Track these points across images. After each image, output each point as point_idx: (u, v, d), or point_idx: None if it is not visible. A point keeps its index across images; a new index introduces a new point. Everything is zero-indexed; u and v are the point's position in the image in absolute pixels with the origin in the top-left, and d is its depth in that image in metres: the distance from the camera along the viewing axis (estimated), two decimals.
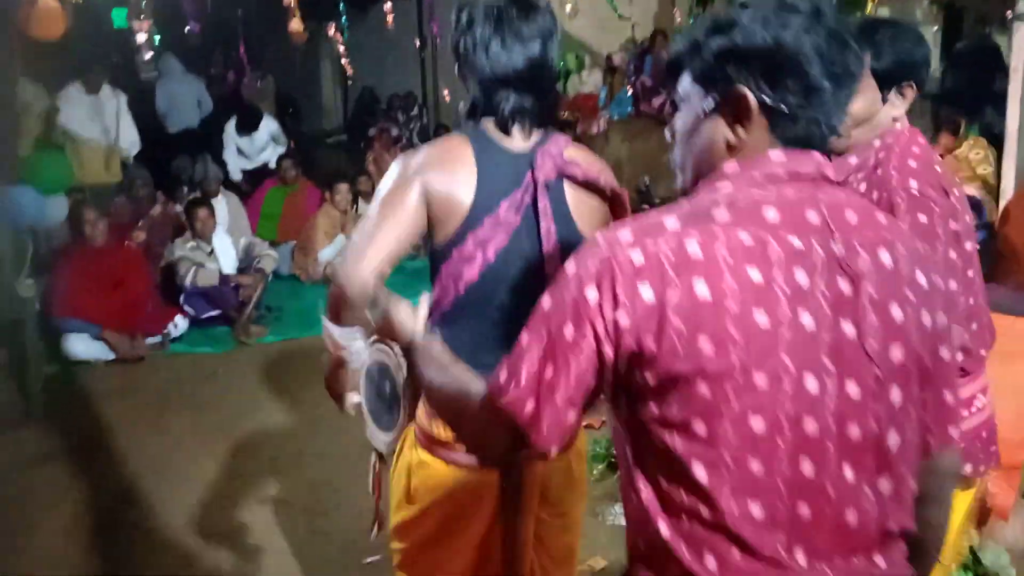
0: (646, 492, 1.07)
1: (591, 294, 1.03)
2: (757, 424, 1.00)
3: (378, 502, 1.84)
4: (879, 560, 1.07)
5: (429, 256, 1.72)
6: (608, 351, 1.03)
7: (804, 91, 1.06)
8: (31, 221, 4.10)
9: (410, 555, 1.82)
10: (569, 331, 1.04)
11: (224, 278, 5.73)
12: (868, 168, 1.75)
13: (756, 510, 1.01)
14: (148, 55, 4.90)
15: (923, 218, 1.65)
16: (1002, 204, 6.49)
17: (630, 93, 10.17)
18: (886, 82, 1.76)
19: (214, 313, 5.66)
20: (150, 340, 5.33)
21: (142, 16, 4.07)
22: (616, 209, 1.76)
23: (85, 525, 3.39)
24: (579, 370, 1.04)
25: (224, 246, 5.92)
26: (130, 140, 6.74)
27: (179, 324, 5.54)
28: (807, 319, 1.01)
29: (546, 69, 1.68)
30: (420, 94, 9.66)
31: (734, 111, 1.09)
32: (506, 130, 1.66)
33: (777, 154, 1.08)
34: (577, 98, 10.30)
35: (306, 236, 6.86)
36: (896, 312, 1.05)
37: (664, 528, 1.04)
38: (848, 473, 1.04)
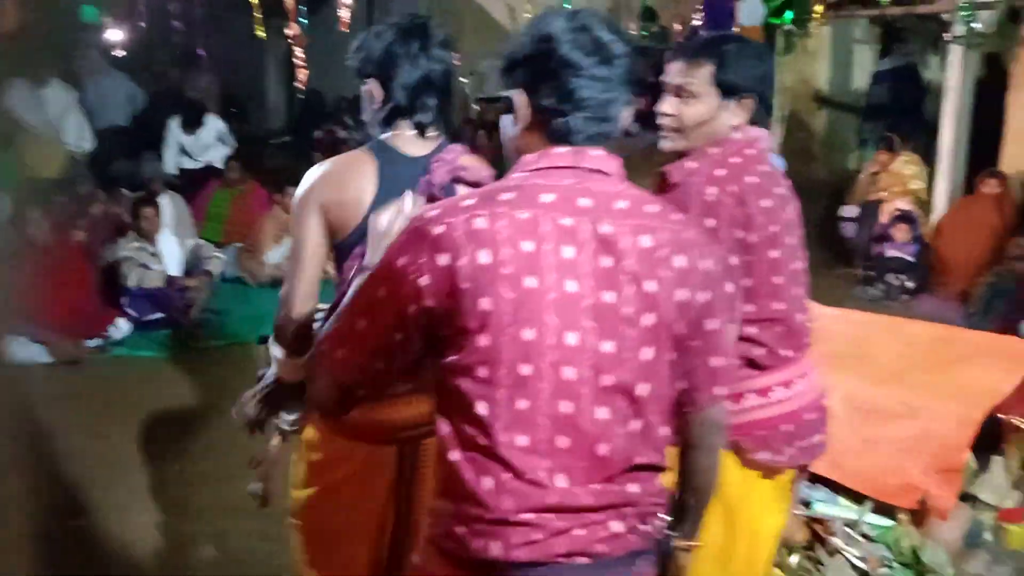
0: (444, 428, 1.28)
1: (400, 260, 1.25)
2: (525, 370, 1.22)
3: (265, 479, 2.03)
4: (632, 487, 1.28)
5: (335, 256, 1.83)
6: (412, 308, 1.24)
7: (566, 96, 1.28)
8: None
9: (310, 532, 1.92)
10: (381, 291, 1.28)
11: (169, 280, 5.62)
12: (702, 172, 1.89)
13: (523, 440, 1.23)
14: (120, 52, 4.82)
15: (711, 223, 1.79)
16: (934, 219, 6.75)
17: None
18: (728, 93, 1.89)
19: (157, 316, 5.54)
20: (90, 343, 5.20)
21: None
22: None
23: (25, 533, 3.29)
24: (386, 323, 1.27)
25: (170, 247, 5.81)
26: (79, 136, 6.55)
27: (121, 327, 5.40)
28: (571, 285, 1.23)
29: (452, 78, 1.90)
30: None
31: (513, 112, 1.33)
32: (422, 132, 1.83)
33: (559, 150, 1.30)
34: None
35: (253, 238, 6.76)
36: (650, 286, 1.26)
37: (455, 456, 1.26)
38: (601, 413, 1.25)
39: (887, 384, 3.15)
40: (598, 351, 1.24)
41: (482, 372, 1.23)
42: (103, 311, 5.42)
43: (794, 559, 2.94)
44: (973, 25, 6.15)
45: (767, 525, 2.01)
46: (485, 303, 1.21)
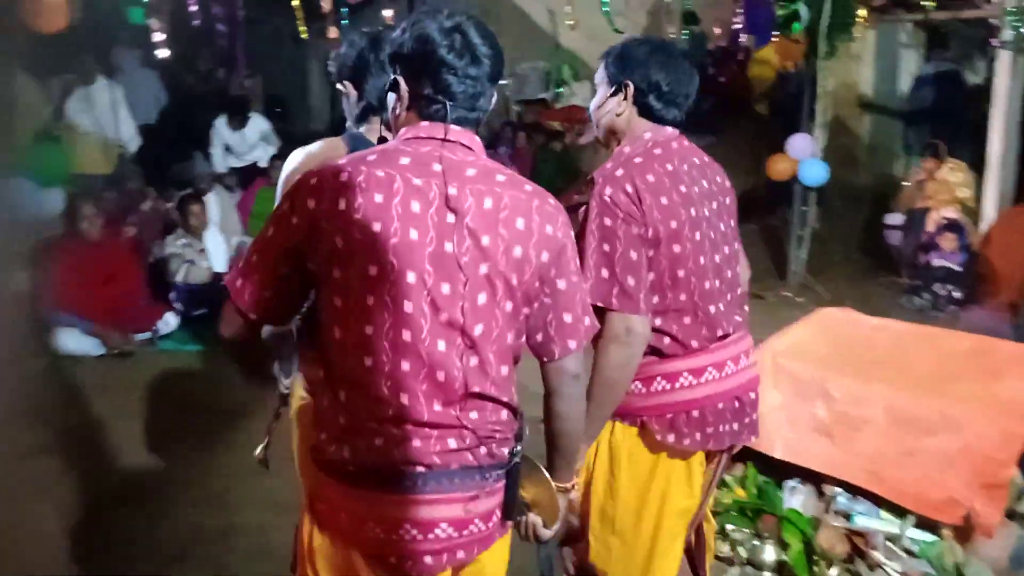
0: (318, 352, 1.55)
1: (284, 204, 1.50)
2: (370, 300, 1.44)
3: (270, 433, 2.17)
4: (471, 414, 1.50)
5: None
6: (288, 244, 1.48)
7: (441, 89, 1.51)
8: (27, 214, 4.07)
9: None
10: (270, 231, 1.51)
11: (215, 276, 5.72)
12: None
13: (368, 361, 1.45)
14: (164, 52, 4.93)
15: (607, 221, 1.92)
16: (983, 227, 6.62)
17: None
18: (614, 83, 2.07)
19: (203, 311, 5.64)
20: (140, 336, 5.31)
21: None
22: None
23: (72, 520, 3.38)
24: (273, 256, 1.50)
25: (216, 243, 5.91)
26: (127, 133, 6.68)
27: (169, 321, 5.51)
28: (413, 234, 1.45)
29: None
30: None
31: (396, 93, 1.57)
32: (388, 127, 1.96)
33: (425, 124, 1.53)
34: (566, 109, 10.37)
35: None
36: (486, 241, 1.48)
37: (323, 373, 1.53)
38: (440, 345, 1.46)
39: (927, 395, 3.11)
40: (437, 292, 1.46)
41: (337, 301, 1.47)
42: (152, 306, 5.54)
43: (834, 572, 2.92)
44: (1023, 31, 6.03)
45: (675, 502, 2.08)
46: (338, 241, 1.44)
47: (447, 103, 1.52)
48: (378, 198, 1.44)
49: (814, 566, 2.95)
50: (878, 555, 2.88)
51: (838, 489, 3.12)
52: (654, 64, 2.03)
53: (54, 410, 4.37)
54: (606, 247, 1.92)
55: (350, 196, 1.44)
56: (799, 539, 3.01)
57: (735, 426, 2.07)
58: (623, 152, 2.04)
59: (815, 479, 3.21)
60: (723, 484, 3.35)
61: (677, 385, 2.01)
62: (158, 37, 4.32)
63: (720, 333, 2.03)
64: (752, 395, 2.13)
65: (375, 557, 1.52)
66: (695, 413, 2.01)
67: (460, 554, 1.53)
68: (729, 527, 3.16)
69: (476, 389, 1.50)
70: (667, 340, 1.99)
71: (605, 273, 1.91)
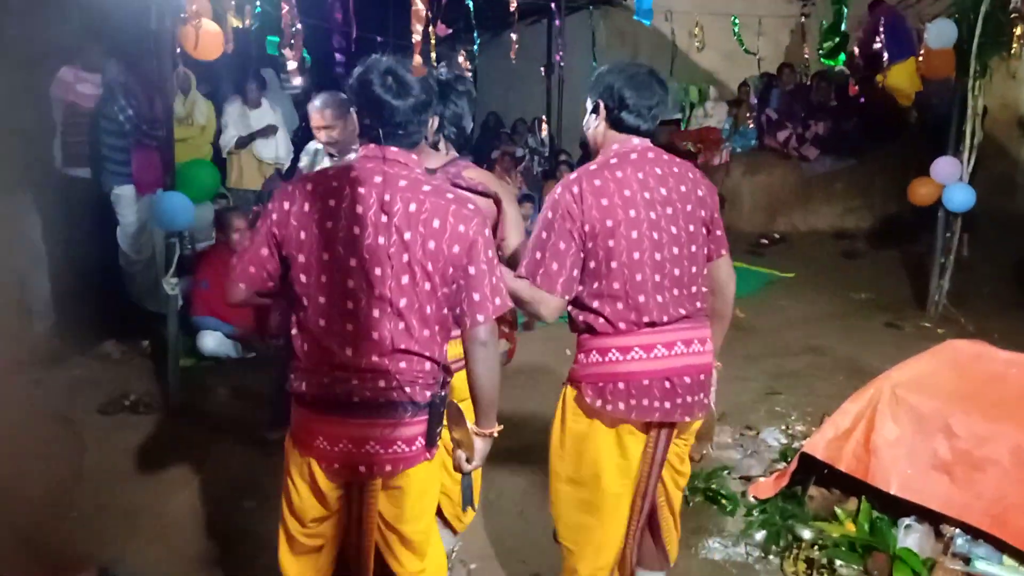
0: (291, 315, 2.08)
1: (271, 203, 2.07)
2: (324, 279, 2.02)
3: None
4: (400, 364, 2.03)
5: None
6: (270, 234, 2.06)
7: (377, 119, 2.06)
8: (181, 225, 4.44)
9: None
10: (260, 225, 2.09)
11: None
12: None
13: (322, 323, 2.02)
14: (297, 80, 5.27)
15: (549, 215, 2.34)
16: None
17: (753, 126, 10.04)
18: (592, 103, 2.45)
19: None
20: (276, 341, 5.63)
21: (292, 44, 4.39)
22: (499, 204, 2.60)
23: (204, 512, 3.64)
24: (258, 242, 2.08)
25: None
26: (284, 152, 7.15)
27: None
28: (356, 230, 2.00)
29: (465, 115, 2.70)
30: (545, 119, 9.87)
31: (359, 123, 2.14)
32: (435, 147, 2.62)
33: (371, 147, 2.08)
34: (701, 130, 10.26)
35: None
36: (408, 236, 2.00)
37: (294, 331, 2.07)
38: (375, 313, 2.01)
39: None
40: (370, 273, 2.00)
41: (301, 278, 2.03)
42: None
43: None
44: None
45: (609, 459, 2.39)
46: (303, 234, 2.02)
47: (380, 130, 2.05)
48: (331, 202, 2.02)
49: None
50: None
51: (957, 530, 2.97)
52: (620, 84, 2.36)
53: (194, 407, 4.71)
54: (543, 235, 2.34)
55: (312, 201, 2.02)
56: None
57: (665, 404, 2.33)
58: (590, 163, 2.42)
59: (933, 518, 3.07)
60: (833, 517, 3.25)
61: (606, 359, 2.34)
62: (291, 66, 4.64)
63: (647, 320, 2.31)
64: (687, 379, 2.36)
65: (324, 463, 2.09)
66: (620, 385, 2.32)
67: (387, 467, 2.06)
68: (838, 562, 3.06)
69: (402, 346, 2.03)
70: (601, 320, 2.33)
71: (538, 255, 2.34)
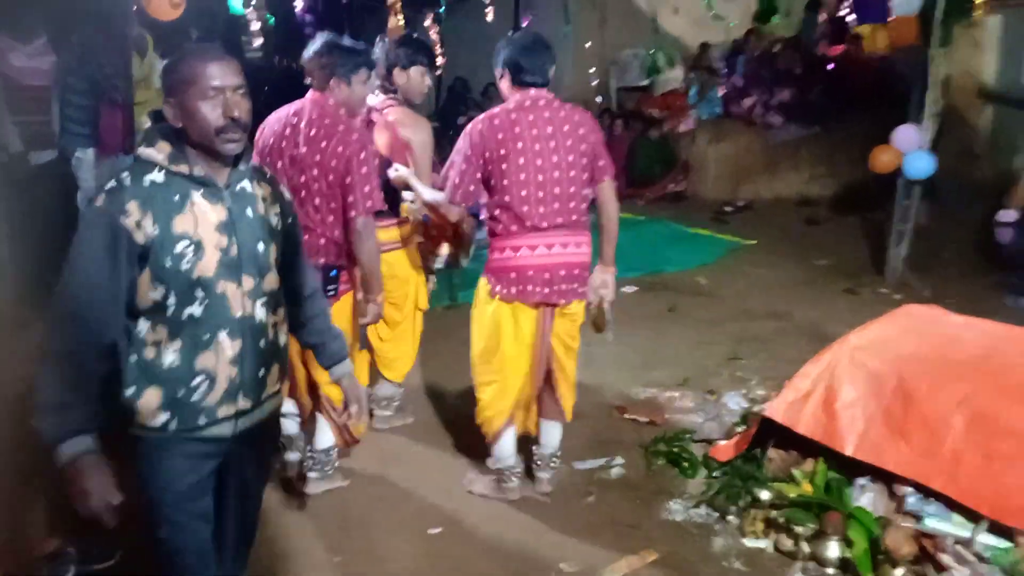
0: None
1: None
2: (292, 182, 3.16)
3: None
4: (325, 243, 3.17)
5: None
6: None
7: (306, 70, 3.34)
8: None
9: None
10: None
11: None
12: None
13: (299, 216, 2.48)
14: (258, 41, 5.19)
15: (460, 144, 3.21)
16: None
17: (720, 93, 10.05)
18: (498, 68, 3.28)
19: None
20: None
21: (253, 4, 4.33)
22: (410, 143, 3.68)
23: None
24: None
25: None
26: None
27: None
28: (291, 149, 3.17)
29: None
30: None
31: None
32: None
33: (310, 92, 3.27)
34: (667, 96, 10.24)
35: None
36: (308, 152, 3.12)
37: None
38: (309, 209, 3.13)
39: (1013, 399, 2.98)
40: (296, 179, 3.13)
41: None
42: None
43: (899, 573, 2.85)
44: None
45: (507, 329, 3.24)
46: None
47: (307, 79, 3.21)
48: (275, 127, 3.23)
49: (879, 566, 2.89)
50: (947, 559, 2.79)
51: (909, 489, 3.04)
52: (515, 52, 3.17)
53: None
54: (455, 158, 3.19)
55: (264, 128, 3.28)
56: (865, 537, 2.95)
57: (545, 290, 3.17)
58: (494, 107, 3.22)
59: (887, 478, 3.14)
60: (791, 479, 3.32)
61: (504, 255, 3.18)
62: (254, 27, 4.60)
63: (530, 224, 3.12)
64: (563, 272, 3.17)
65: None
66: (512, 274, 3.17)
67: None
68: (795, 521, 3.12)
69: (327, 234, 3.14)
70: (500, 225, 3.17)
71: (449, 175, 3.19)
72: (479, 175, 3.15)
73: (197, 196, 1.96)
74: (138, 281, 1.91)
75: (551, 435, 3.48)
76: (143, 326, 1.96)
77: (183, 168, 1.95)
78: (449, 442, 4.03)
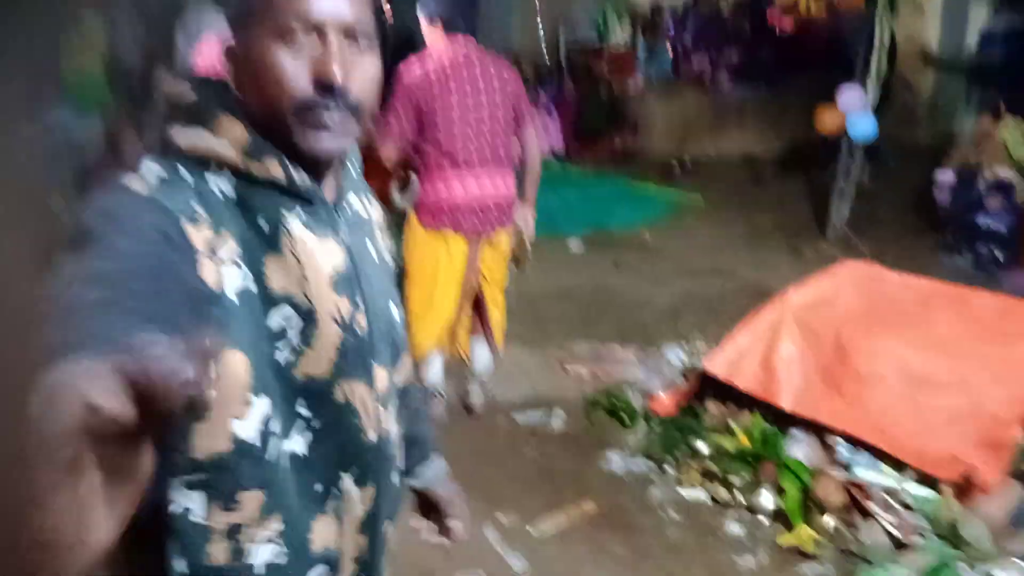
0: None
1: None
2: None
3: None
4: None
5: None
6: None
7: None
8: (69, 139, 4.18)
9: None
10: None
11: None
12: None
13: None
14: None
15: (397, 91, 3.31)
16: None
17: (670, 54, 10.03)
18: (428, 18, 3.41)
19: None
20: None
21: None
22: None
23: None
24: None
25: None
26: None
27: None
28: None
29: None
30: None
31: None
32: None
33: None
34: (614, 55, 10.16)
35: None
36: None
37: None
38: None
39: (943, 354, 3.06)
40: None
41: None
42: None
43: (829, 520, 2.92)
44: None
45: (438, 260, 3.42)
46: None
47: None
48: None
49: (810, 514, 2.96)
50: (874, 507, 2.87)
51: (841, 440, 3.11)
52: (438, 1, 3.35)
53: None
54: (395, 104, 3.30)
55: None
56: (797, 487, 3.02)
57: (474, 221, 3.39)
58: (428, 54, 3.34)
59: (820, 431, 3.20)
60: (728, 431, 3.37)
61: (436, 189, 3.36)
62: None
63: (462, 160, 3.32)
64: (490, 204, 3.40)
65: None
66: (445, 208, 3.36)
67: None
68: (731, 472, 3.18)
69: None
70: (432, 161, 3.33)
71: (388, 118, 3.31)
72: (413, 118, 3.34)
73: (296, 224, 0.98)
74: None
75: (481, 358, 3.77)
76: (198, 500, 0.92)
77: (271, 171, 0.96)
78: None
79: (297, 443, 0.97)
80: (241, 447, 0.90)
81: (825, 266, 4.24)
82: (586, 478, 3.30)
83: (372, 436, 1.04)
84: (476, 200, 3.39)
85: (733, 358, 3.45)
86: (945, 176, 6.81)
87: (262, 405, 0.91)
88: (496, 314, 3.67)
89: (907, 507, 2.87)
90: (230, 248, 0.90)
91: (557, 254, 6.24)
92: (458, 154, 3.33)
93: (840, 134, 6.61)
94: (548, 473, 3.34)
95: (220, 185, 0.94)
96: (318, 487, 1.00)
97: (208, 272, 0.87)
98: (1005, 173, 6.22)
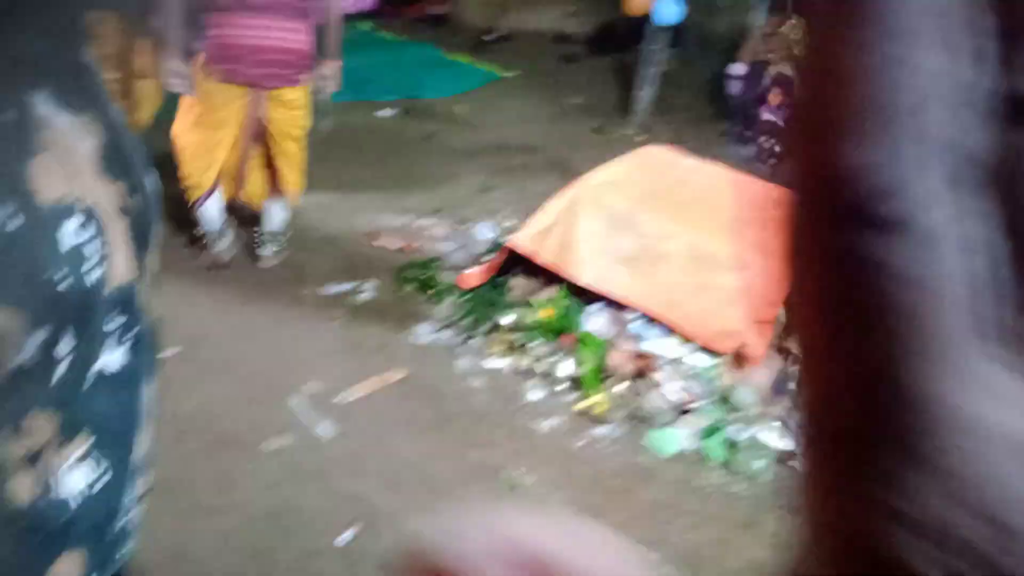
0: None
1: None
2: None
3: None
4: None
5: None
6: None
7: None
8: None
9: None
10: None
11: None
12: None
13: None
14: None
15: None
16: None
17: None
18: None
19: None
20: None
21: None
22: None
23: None
24: None
25: None
26: None
27: None
28: None
29: None
30: None
31: None
32: None
33: None
34: None
35: None
36: None
37: None
38: None
39: (727, 237, 3.32)
40: None
41: None
42: None
43: (620, 388, 3.17)
44: None
45: (217, 110, 3.45)
46: None
47: None
48: None
49: (604, 382, 3.20)
50: (660, 376, 3.14)
51: (634, 315, 3.34)
52: None
53: None
54: None
55: None
56: (594, 357, 3.23)
57: (254, 70, 3.37)
58: None
59: (618, 307, 3.42)
60: (528, 304, 3.52)
61: (220, 31, 3.32)
62: None
63: (246, 3, 3.26)
64: (272, 56, 3.36)
65: None
66: (226, 52, 3.33)
67: None
68: (532, 344, 3.34)
69: None
70: (220, 2, 3.28)
71: None
72: None
73: (46, 106, 0.79)
74: None
75: (272, 213, 3.83)
76: None
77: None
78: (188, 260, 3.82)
79: (109, 360, 0.84)
80: (14, 373, 0.74)
81: (627, 148, 4.42)
82: (394, 349, 3.36)
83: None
84: (259, 49, 3.35)
85: (537, 234, 3.57)
86: (737, 69, 7.20)
87: (38, 337, 0.73)
88: (288, 172, 3.70)
89: (690, 377, 3.16)
90: None
91: (367, 121, 6.07)
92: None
93: (647, 18, 6.78)
94: (357, 344, 3.37)
95: None
96: (145, 398, 0.91)
97: None
98: (787, 70, 6.66)
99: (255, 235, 3.90)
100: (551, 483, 2.73)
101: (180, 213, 3.76)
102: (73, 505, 0.84)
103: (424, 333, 3.50)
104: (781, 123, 6.42)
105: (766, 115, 6.49)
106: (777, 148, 6.38)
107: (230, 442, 2.69)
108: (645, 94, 6.98)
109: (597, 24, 9.43)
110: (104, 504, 0.88)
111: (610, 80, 8.06)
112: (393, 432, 2.90)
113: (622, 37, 8.41)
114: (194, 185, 3.61)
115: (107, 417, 0.86)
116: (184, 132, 3.53)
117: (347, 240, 4.23)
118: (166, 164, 3.35)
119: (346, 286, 3.77)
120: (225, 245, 3.81)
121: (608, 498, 2.72)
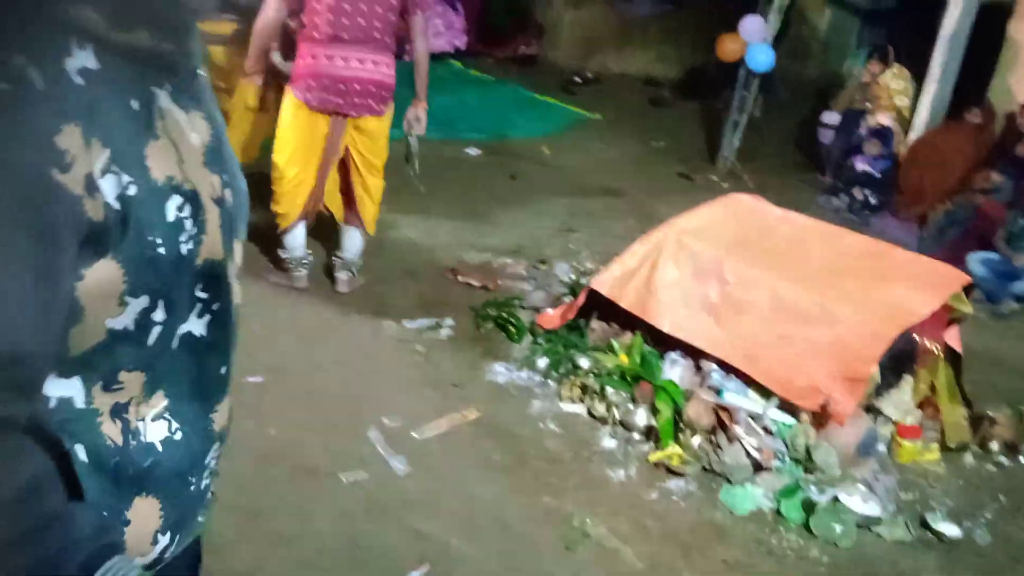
0: None
1: None
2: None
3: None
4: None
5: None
6: None
7: None
8: None
9: None
10: None
11: None
12: None
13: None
14: None
15: None
16: (911, 137, 6.72)
17: None
18: None
19: None
20: None
21: None
22: None
23: None
24: None
25: None
26: None
27: None
28: None
29: None
30: None
31: None
32: None
33: None
34: None
35: None
36: None
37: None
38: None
39: (813, 288, 3.24)
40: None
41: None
42: None
43: (696, 440, 3.11)
44: None
45: (304, 128, 3.56)
46: None
47: None
48: None
49: (680, 433, 3.14)
50: (739, 430, 3.07)
51: (714, 366, 3.28)
52: None
53: None
54: None
55: None
56: (670, 407, 3.18)
57: (339, 100, 3.50)
58: None
59: (696, 355, 3.36)
60: (610, 350, 3.49)
61: (305, 61, 3.47)
62: None
63: (332, 33, 3.39)
64: (357, 86, 3.49)
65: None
66: (311, 81, 3.47)
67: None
68: (609, 390, 3.31)
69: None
70: (307, 31, 3.44)
71: None
72: None
73: (165, 99, 0.88)
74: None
75: (350, 241, 3.90)
76: (77, 387, 0.88)
77: (140, 40, 0.84)
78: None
79: (195, 325, 0.94)
80: (114, 334, 0.85)
81: (712, 194, 4.38)
82: (471, 387, 3.37)
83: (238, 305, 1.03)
84: (343, 79, 3.45)
85: (619, 277, 3.56)
86: (830, 117, 7.08)
87: (140, 303, 0.85)
88: (366, 201, 3.79)
89: (768, 431, 3.08)
90: (103, 159, 0.78)
91: (453, 158, 6.17)
92: (330, 27, 3.38)
93: (738, 62, 6.74)
94: (434, 380, 3.40)
95: (85, 63, 0.78)
96: (223, 370, 1.00)
97: (90, 208, 0.77)
98: (886, 120, 6.52)
99: (333, 260, 3.98)
100: (623, 535, 2.68)
101: (266, 236, 3.89)
102: (160, 448, 0.94)
103: (501, 372, 3.50)
104: (878, 175, 6.26)
105: (860, 166, 6.35)
106: (872, 200, 6.22)
107: (310, 471, 2.73)
108: (732, 140, 6.92)
109: (685, 68, 9.43)
110: (187, 453, 0.97)
111: (697, 125, 8.03)
112: (467, 472, 2.90)
113: (711, 82, 8.38)
114: (284, 214, 3.72)
115: (189, 376, 0.96)
116: (285, 164, 3.62)
117: (428, 275, 4.29)
118: (259, 187, 3.46)
119: (426, 321, 3.81)
120: (304, 272, 3.90)
121: (680, 554, 2.65)
